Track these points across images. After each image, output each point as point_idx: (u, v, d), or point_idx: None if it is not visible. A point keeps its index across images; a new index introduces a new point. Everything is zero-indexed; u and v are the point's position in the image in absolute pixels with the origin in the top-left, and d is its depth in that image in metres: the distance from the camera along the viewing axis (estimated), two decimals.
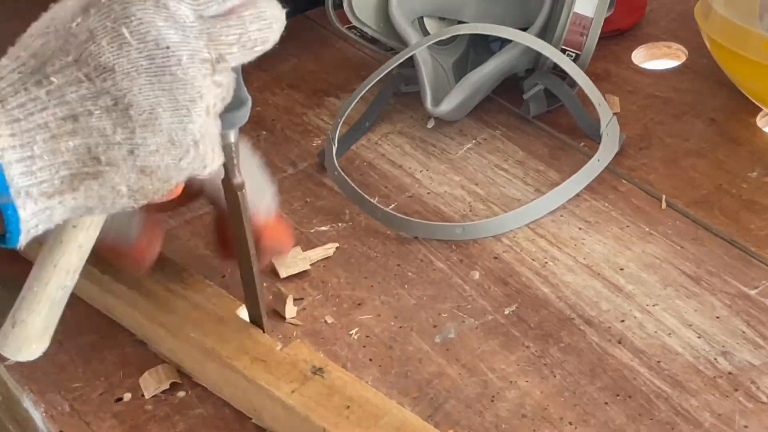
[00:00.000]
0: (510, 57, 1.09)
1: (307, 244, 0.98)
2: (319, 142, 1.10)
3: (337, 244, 0.98)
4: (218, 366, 0.84)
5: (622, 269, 0.93)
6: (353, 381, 0.81)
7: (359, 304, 0.93)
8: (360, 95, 1.06)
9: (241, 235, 0.82)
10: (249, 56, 0.69)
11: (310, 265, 0.96)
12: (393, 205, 1.02)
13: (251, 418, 0.84)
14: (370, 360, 0.87)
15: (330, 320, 0.91)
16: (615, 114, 1.08)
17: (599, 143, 1.03)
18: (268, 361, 0.82)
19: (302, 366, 0.82)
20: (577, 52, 1.08)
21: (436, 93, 1.08)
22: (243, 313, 0.87)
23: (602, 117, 1.04)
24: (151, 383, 0.86)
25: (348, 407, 0.78)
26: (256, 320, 0.86)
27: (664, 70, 1.18)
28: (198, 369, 0.87)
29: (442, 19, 1.17)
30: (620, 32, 1.22)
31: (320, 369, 0.81)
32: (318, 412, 0.78)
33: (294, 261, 0.96)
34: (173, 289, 0.89)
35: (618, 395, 0.83)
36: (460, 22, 1.16)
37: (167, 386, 0.86)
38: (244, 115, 0.75)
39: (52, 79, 0.64)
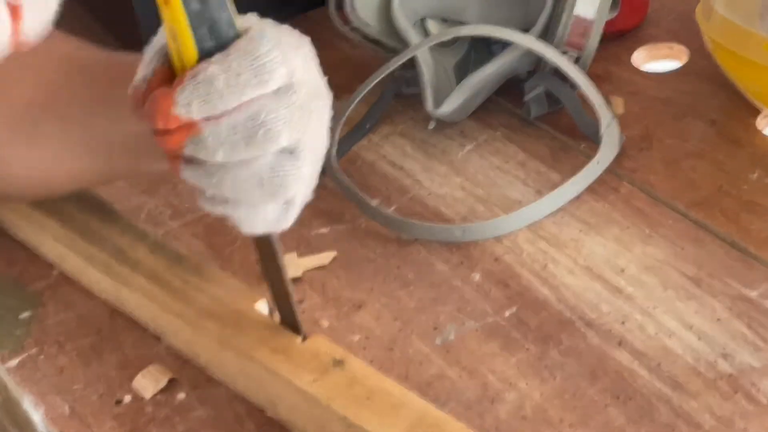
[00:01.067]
0: (511, 59, 1.08)
1: (307, 246, 0.98)
2: None
3: (335, 253, 0.98)
4: (236, 356, 0.84)
5: (622, 271, 0.93)
6: (374, 373, 0.81)
7: (359, 306, 0.93)
8: (360, 96, 1.06)
9: (267, 247, 0.82)
10: None
11: (303, 272, 0.96)
12: (394, 207, 1.02)
13: (247, 421, 0.84)
14: (371, 362, 0.87)
15: (330, 322, 0.91)
16: (618, 115, 1.08)
17: (599, 145, 1.03)
18: (288, 353, 0.82)
19: (322, 357, 0.82)
20: (578, 53, 1.08)
21: (438, 94, 1.08)
22: (262, 306, 0.88)
23: (602, 119, 1.04)
24: (148, 384, 0.86)
25: (369, 398, 0.79)
26: (291, 327, 0.85)
27: (665, 71, 1.18)
28: (214, 361, 0.87)
29: (444, 20, 1.17)
30: (622, 33, 1.21)
31: (341, 361, 0.82)
32: (339, 402, 0.78)
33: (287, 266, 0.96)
34: (191, 281, 0.90)
35: (618, 397, 0.83)
36: (462, 24, 1.16)
37: (165, 383, 0.87)
38: None
39: None
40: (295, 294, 0.85)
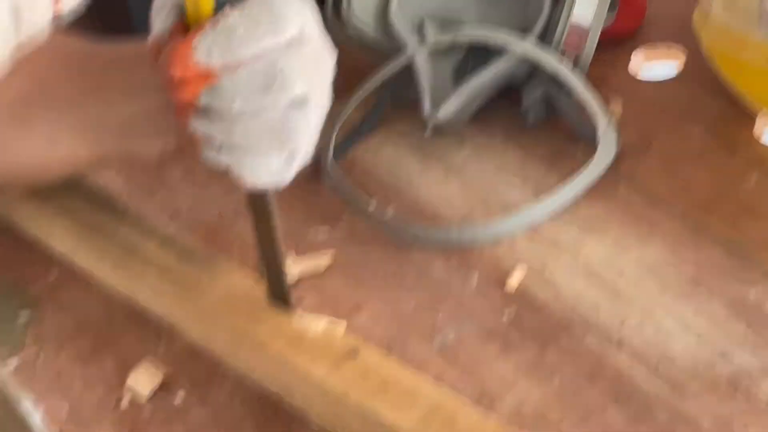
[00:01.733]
0: (508, 64, 1.09)
1: (305, 249, 0.98)
2: (318, 146, 1.10)
3: (332, 256, 0.98)
4: (251, 349, 0.85)
5: (621, 273, 0.93)
6: (388, 362, 0.82)
7: (357, 309, 0.92)
8: (358, 100, 1.06)
9: (263, 209, 0.83)
10: None
11: (299, 276, 0.96)
12: (391, 210, 1.02)
13: (247, 422, 0.84)
14: None
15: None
16: (616, 119, 1.08)
17: (596, 149, 1.03)
18: (302, 344, 0.83)
19: (336, 348, 0.82)
20: (575, 58, 1.08)
21: (435, 98, 1.08)
22: None
23: (599, 123, 1.04)
24: (144, 383, 0.86)
25: (384, 388, 0.79)
26: (281, 298, 0.87)
27: (663, 75, 1.18)
28: (229, 353, 0.87)
29: (442, 23, 1.17)
30: (619, 38, 1.22)
31: (354, 350, 0.82)
32: (354, 393, 0.79)
33: None
34: (202, 277, 0.90)
35: (617, 398, 0.83)
36: (460, 26, 1.16)
37: (160, 379, 0.87)
38: None
39: None
40: (285, 264, 0.86)
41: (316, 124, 0.77)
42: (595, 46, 1.08)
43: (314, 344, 0.83)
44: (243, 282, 0.89)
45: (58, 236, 0.98)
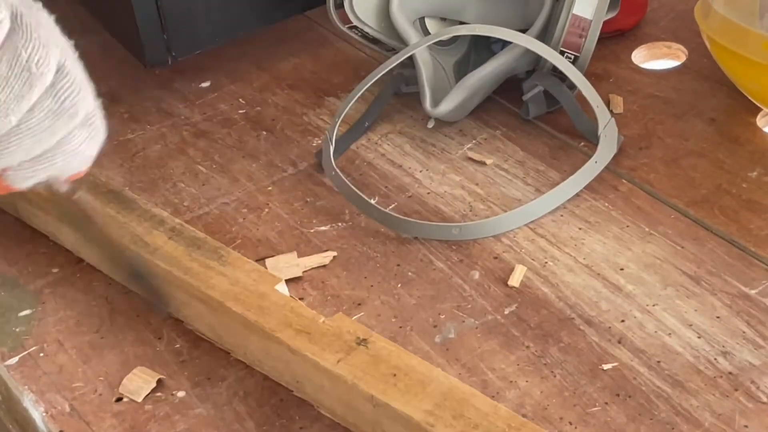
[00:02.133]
0: (510, 58, 1.08)
1: (307, 244, 0.98)
2: (319, 141, 1.10)
3: (334, 253, 0.98)
4: (261, 339, 0.85)
5: (622, 269, 0.93)
6: (398, 350, 0.82)
7: (359, 305, 0.93)
8: (358, 95, 1.06)
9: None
10: None
11: (303, 272, 0.96)
12: (393, 205, 1.02)
13: (247, 419, 0.84)
14: None
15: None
16: (617, 114, 1.08)
17: (597, 145, 1.03)
18: (312, 333, 0.83)
19: (346, 337, 0.83)
20: (576, 53, 1.08)
21: (436, 93, 1.08)
22: (282, 287, 0.88)
23: (600, 119, 1.04)
24: (140, 386, 0.87)
25: (395, 375, 0.79)
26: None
27: (665, 69, 1.18)
28: (239, 344, 0.88)
29: (443, 19, 1.17)
30: (621, 32, 1.22)
31: (364, 339, 0.82)
32: (365, 381, 0.79)
33: (288, 266, 0.96)
34: (211, 266, 0.90)
35: (618, 395, 0.83)
36: (461, 23, 1.16)
37: (154, 384, 0.87)
38: None
39: None
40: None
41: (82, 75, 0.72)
42: (596, 40, 1.08)
43: (323, 333, 0.83)
44: (251, 273, 0.89)
45: (65, 229, 0.98)
